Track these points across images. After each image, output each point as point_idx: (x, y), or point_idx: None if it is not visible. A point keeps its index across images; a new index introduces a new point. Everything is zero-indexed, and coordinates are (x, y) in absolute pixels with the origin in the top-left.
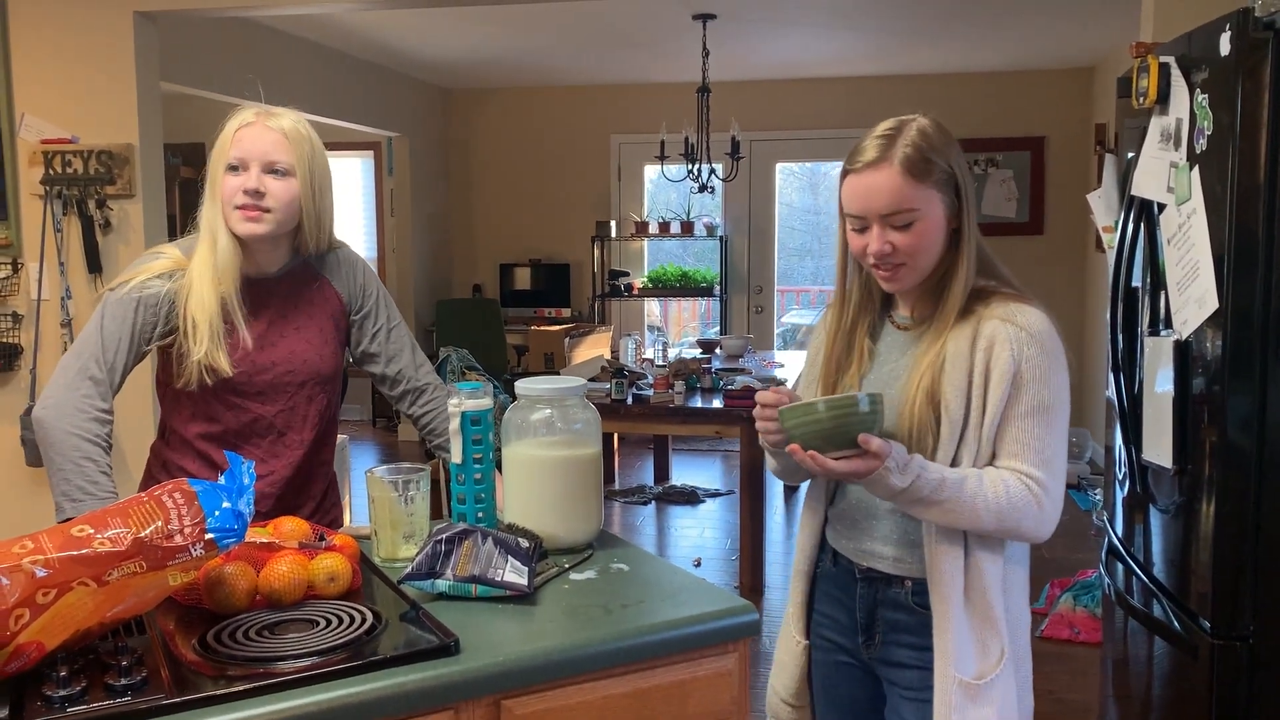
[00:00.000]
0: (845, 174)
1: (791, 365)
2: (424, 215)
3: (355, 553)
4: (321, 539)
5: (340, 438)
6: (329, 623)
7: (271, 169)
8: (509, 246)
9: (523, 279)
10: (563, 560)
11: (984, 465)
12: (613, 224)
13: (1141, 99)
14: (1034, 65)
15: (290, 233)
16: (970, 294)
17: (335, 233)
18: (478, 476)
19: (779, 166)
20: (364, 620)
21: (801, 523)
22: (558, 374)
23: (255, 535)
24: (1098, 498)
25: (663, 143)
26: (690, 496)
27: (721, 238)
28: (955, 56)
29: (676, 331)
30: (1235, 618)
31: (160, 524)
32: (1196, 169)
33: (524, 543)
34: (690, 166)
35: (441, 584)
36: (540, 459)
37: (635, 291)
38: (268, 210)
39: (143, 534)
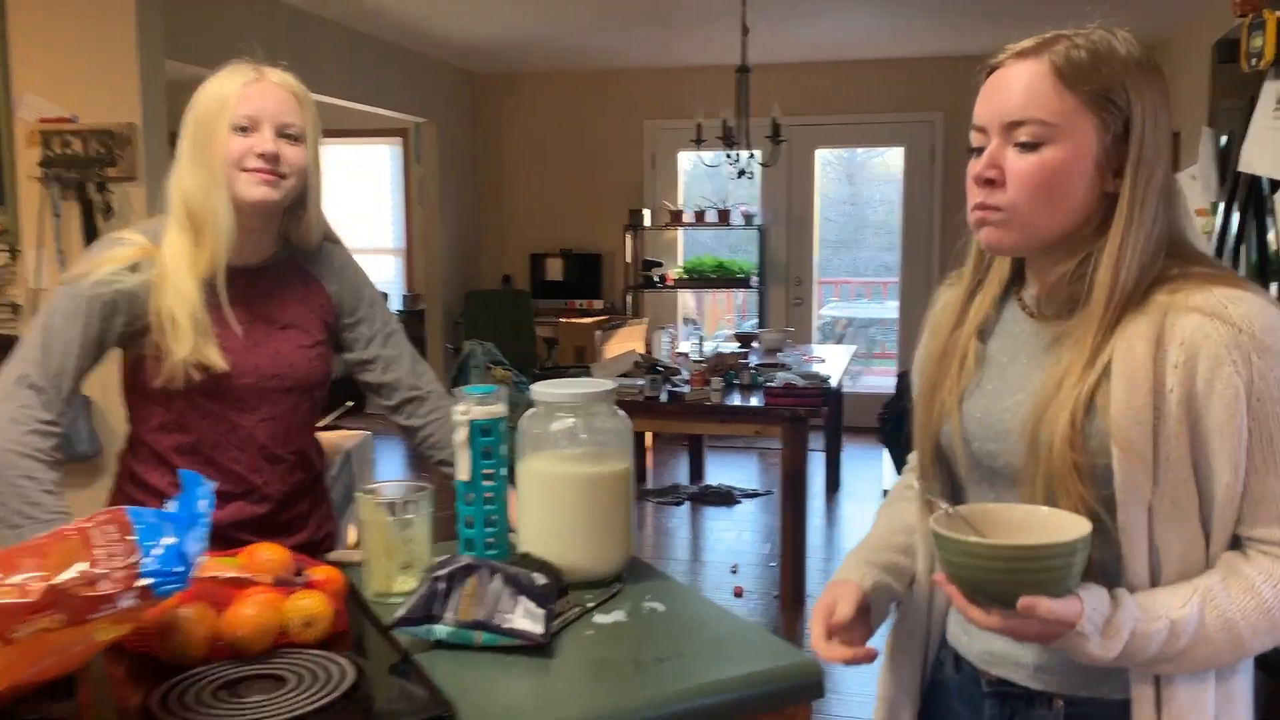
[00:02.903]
0: (986, 77)
1: (832, 360)
2: (452, 204)
3: (340, 589)
4: (300, 573)
5: (363, 434)
6: (300, 680)
7: (285, 131)
8: (539, 236)
9: (554, 270)
10: (586, 597)
11: (1220, 549)
12: (646, 213)
13: (1254, 61)
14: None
15: (280, 216)
16: (1143, 282)
17: (329, 224)
18: (488, 495)
19: (818, 153)
20: (342, 677)
21: (903, 612)
22: (587, 369)
23: (222, 567)
24: None
25: (699, 126)
26: (726, 497)
27: (760, 227)
28: (1005, 37)
29: (711, 325)
30: None
31: (84, 566)
32: None
33: (540, 579)
34: (729, 152)
35: (440, 629)
36: (561, 476)
37: (669, 283)
38: (284, 176)
39: (60, 579)
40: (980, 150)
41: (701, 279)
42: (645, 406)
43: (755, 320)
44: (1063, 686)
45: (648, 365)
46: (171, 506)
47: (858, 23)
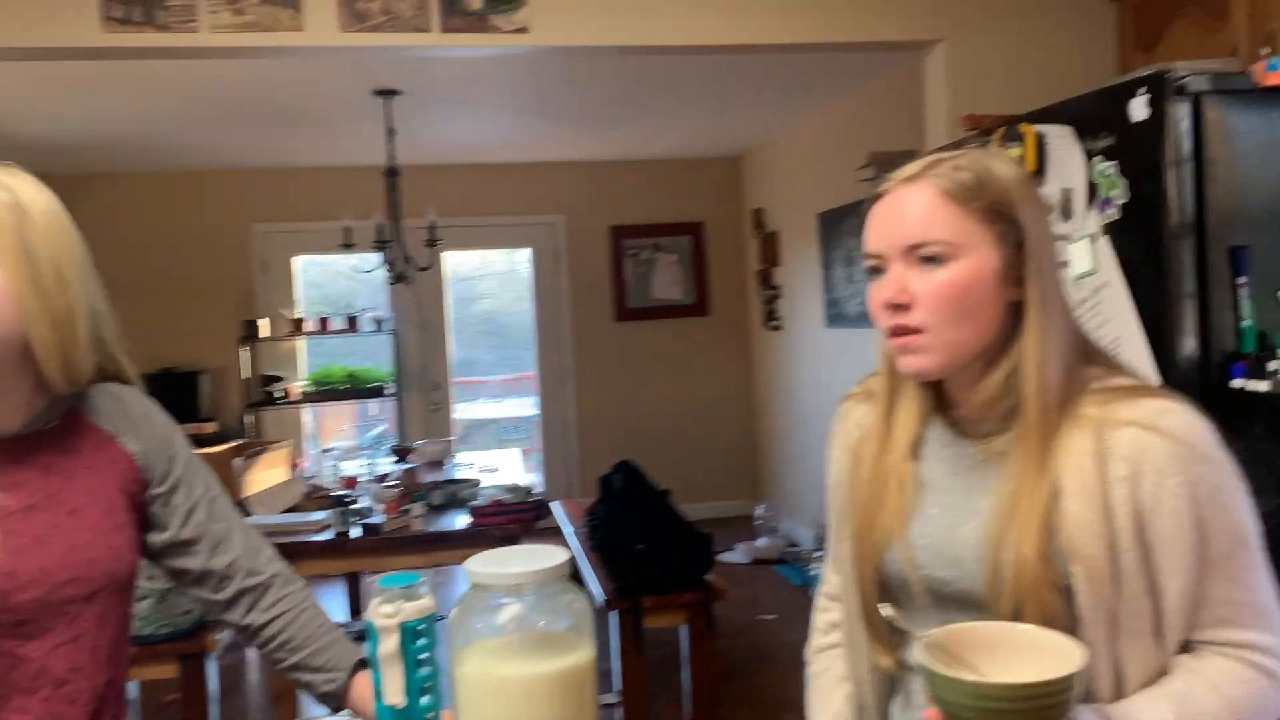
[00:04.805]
0: (873, 205)
1: (505, 465)
2: None
3: None
4: None
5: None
6: None
7: None
8: (135, 355)
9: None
10: None
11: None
12: (262, 323)
13: None
14: (690, 154)
15: (21, 363)
16: (1070, 388)
17: (119, 356)
18: (430, 718)
19: (446, 255)
20: None
21: None
22: (243, 506)
23: None
24: (814, 572)
25: (347, 229)
26: None
27: (393, 332)
28: (621, 144)
29: (326, 438)
30: None
31: None
32: (1104, 240)
33: None
34: (383, 256)
35: None
36: (517, 681)
37: (293, 397)
38: None
39: None
40: (876, 272)
41: (331, 391)
42: (334, 546)
43: (382, 429)
44: None
45: (327, 495)
46: None
47: (481, 128)
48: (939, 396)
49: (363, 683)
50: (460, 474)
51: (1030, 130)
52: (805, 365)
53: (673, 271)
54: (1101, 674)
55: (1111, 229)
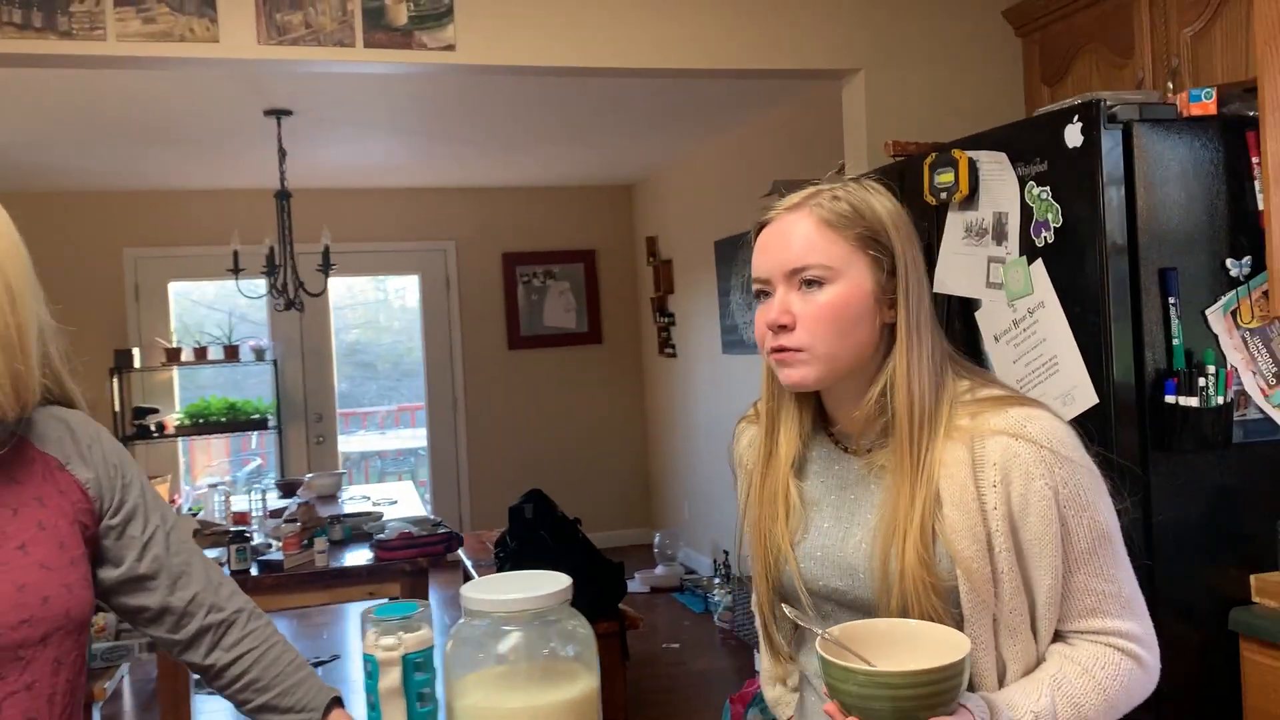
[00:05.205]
0: (758, 232)
1: (402, 498)
2: None
3: None
4: None
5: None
6: None
7: None
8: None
9: None
10: None
11: (1046, 644)
12: (135, 352)
13: (943, 194)
14: (583, 181)
15: None
16: (941, 401)
17: (63, 376)
18: None
19: (333, 281)
20: None
21: None
22: None
23: None
24: (716, 599)
25: (235, 253)
26: None
27: (273, 362)
28: (513, 170)
29: (197, 473)
30: None
31: None
32: (1039, 263)
33: None
34: (271, 282)
35: None
36: (526, 712)
37: (169, 431)
38: None
39: None
40: (762, 295)
41: (210, 423)
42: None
43: (259, 462)
44: None
45: (224, 533)
46: None
47: (371, 150)
48: (819, 416)
49: None
50: (353, 508)
51: (963, 156)
52: (701, 392)
53: (565, 299)
54: (986, 669)
55: (1046, 251)
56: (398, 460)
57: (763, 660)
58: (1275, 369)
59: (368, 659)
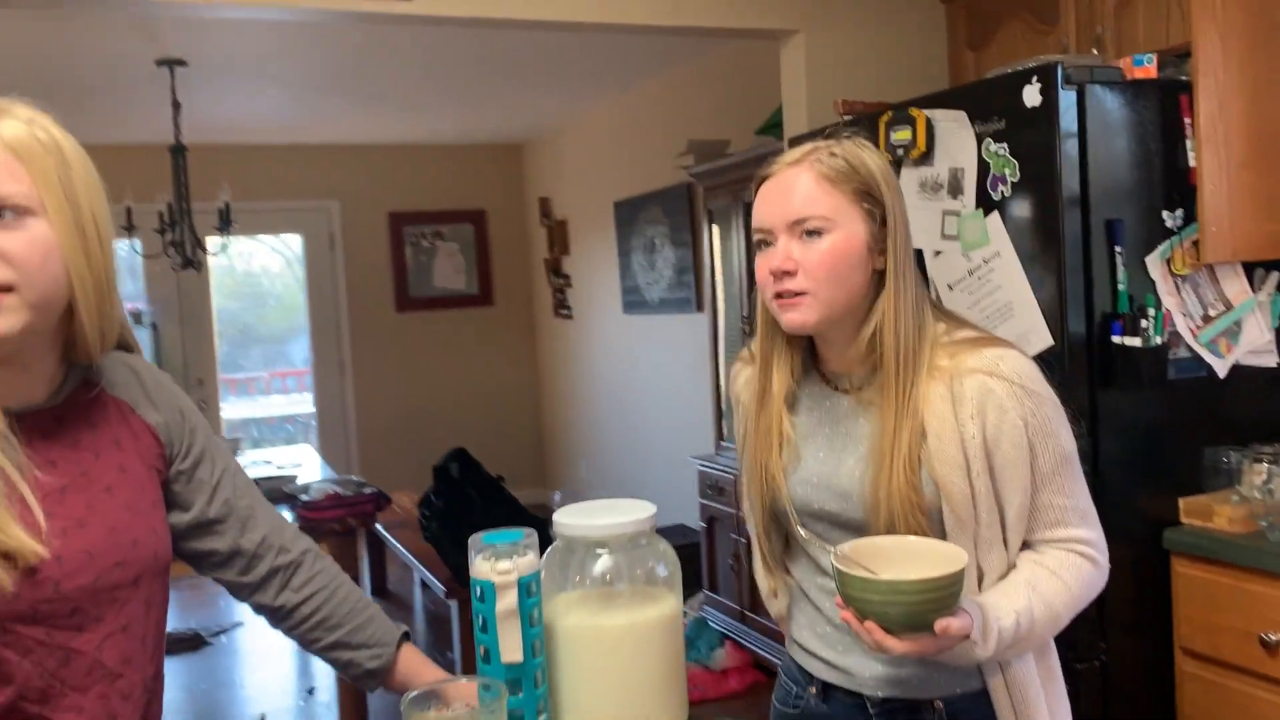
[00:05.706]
0: (760, 185)
1: (306, 461)
2: None
3: None
4: None
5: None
6: None
7: None
8: None
9: None
10: None
11: (1016, 554)
12: None
13: (900, 151)
14: (472, 140)
15: (56, 328)
16: (923, 342)
17: (126, 320)
18: (537, 677)
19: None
20: None
21: None
22: None
23: None
24: None
25: (129, 210)
26: (192, 642)
27: (152, 325)
28: (400, 128)
29: None
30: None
31: None
32: (995, 215)
33: None
34: (169, 239)
35: None
36: (611, 631)
37: None
38: (8, 289)
39: None
40: (764, 245)
41: None
42: None
43: None
44: (938, 690)
45: None
46: None
47: (256, 107)
48: (810, 357)
49: (409, 657)
50: (256, 472)
51: (921, 114)
52: (600, 353)
53: (455, 260)
54: (969, 579)
55: (1003, 204)
56: (282, 427)
57: (759, 579)
58: (1203, 312)
59: (480, 583)
